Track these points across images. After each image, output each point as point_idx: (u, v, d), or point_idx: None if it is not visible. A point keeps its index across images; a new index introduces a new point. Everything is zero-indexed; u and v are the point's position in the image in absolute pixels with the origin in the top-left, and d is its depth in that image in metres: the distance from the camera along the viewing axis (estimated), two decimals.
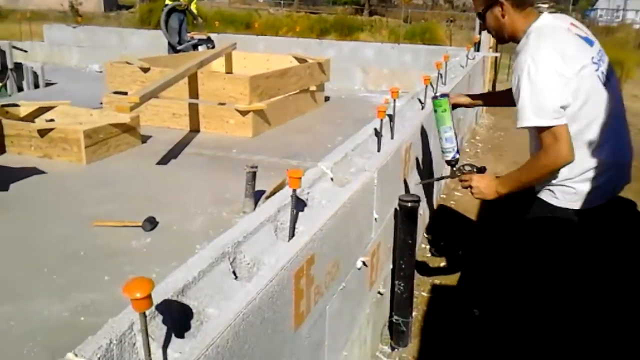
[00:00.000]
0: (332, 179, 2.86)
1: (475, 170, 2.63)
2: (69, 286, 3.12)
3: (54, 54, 11.53)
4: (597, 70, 2.26)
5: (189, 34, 9.79)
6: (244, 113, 6.26)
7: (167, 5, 9.49)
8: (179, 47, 9.48)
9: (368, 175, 2.78)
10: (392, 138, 3.63)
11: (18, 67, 8.36)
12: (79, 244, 3.58)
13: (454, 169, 2.77)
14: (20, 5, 32.42)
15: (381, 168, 2.95)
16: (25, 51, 9.37)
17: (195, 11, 9.78)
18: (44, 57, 11.54)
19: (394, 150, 3.25)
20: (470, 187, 2.53)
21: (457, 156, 2.91)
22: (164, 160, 5.34)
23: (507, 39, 2.46)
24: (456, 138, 2.94)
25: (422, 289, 3.80)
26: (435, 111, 2.96)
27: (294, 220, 2.11)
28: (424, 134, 4.33)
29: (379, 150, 3.28)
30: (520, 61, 2.24)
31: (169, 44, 9.47)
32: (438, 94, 2.97)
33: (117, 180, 4.80)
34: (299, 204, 2.34)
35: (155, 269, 3.32)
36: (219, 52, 7.89)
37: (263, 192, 4.56)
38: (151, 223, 3.84)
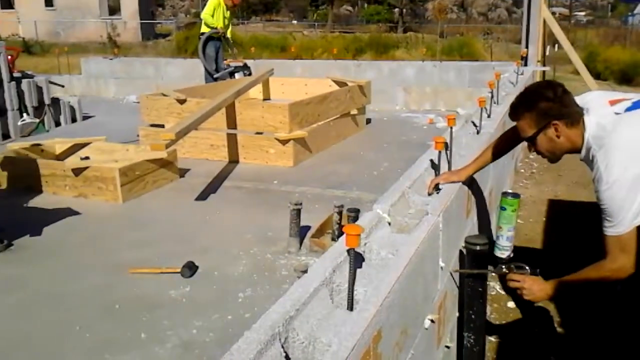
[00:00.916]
0: (389, 223, 2.53)
1: (529, 271, 2.48)
2: (102, 346, 2.84)
3: (91, 86, 11.55)
4: None
5: (225, 61, 9.63)
6: (284, 142, 5.98)
7: (203, 33, 9.36)
8: (215, 75, 9.31)
9: (432, 220, 2.43)
10: (449, 169, 3.29)
11: (55, 102, 8.30)
12: (114, 295, 3.31)
13: (504, 266, 2.59)
14: (62, 39, 33.39)
15: (446, 210, 2.59)
16: (62, 86, 9.36)
17: (230, 39, 9.63)
18: (82, 90, 11.58)
19: (457, 186, 2.89)
20: (520, 288, 2.42)
21: (512, 255, 2.69)
22: (202, 196, 5.09)
23: (560, 156, 2.40)
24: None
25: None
26: (504, 209, 2.73)
27: (352, 284, 1.79)
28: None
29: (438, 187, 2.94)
30: (597, 176, 2.17)
31: (206, 72, 9.32)
32: (510, 191, 2.79)
33: (154, 220, 4.55)
34: (356, 260, 2.01)
35: (195, 322, 3.03)
36: (257, 79, 7.67)
37: (308, 227, 4.25)
38: (190, 269, 3.55)
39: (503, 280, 2.55)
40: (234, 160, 6.21)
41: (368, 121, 8.36)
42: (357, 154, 6.61)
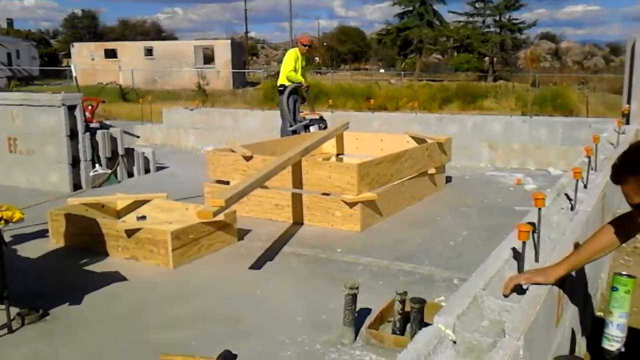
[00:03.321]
0: (454, 342, 1.98)
1: None
2: None
3: (172, 136, 11.65)
4: None
5: (300, 114, 9.41)
6: (351, 204, 5.52)
7: (283, 85, 9.19)
8: (290, 128, 9.09)
9: (511, 345, 1.87)
10: (536, 261, 2.70)
11: (129, 152, 8.30)
12: None
13: None
14: (158, 87, 35.03)
15: (529, 330, 2.01)
16: (137, 137, 9.43)
17: (308, 89, 9.44)
18: (162, 139, 11.71)
19: (545, 291, 2.30)
20: None
21: (623, 349, 2.28)
22: (257, 264, 4.68)
23: None
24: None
25: None
26: (616, 289, 2.31)
27: None
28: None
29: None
30: None
31: (283, 125, 9.14)
32: (624, 273, 2.35)
33: (202, 291, 4.18)
34: None
35: None
36: (329, 134, 7.31)
37: (368, 311, 3.72)
38: None
39: None
40: (298, 222, 5.80)
41: (448, 180, 7.76)
42: (432, 218, 6.03)
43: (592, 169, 4.57)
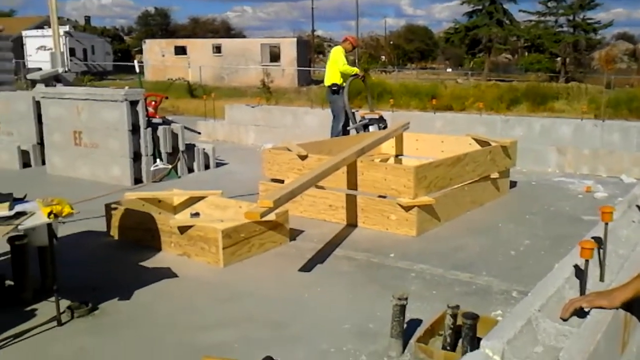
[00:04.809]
0: None
1: None
2: None
3: (233, 132, 11.74)
4: None
5: (359, 113, 9.26)
6: (407, 208, 5.34)
7: (336, 85, 9.08)
8: (349, 128, 8.96)
9: None
10: (601, 280, 2.47)
11: (190, 148, 8.39)
12: None
13: None
14: (225, 83, 35.61)
15: (587, 359, 1.82)
16: (199, 133, 9.53)
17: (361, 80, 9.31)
18: (224, 136, 11.81)
19: (609, 317, 2.08)
20: None
21: None
22: (308, 266, 4.58)
23: None
24: None
25: None
26: None
27: None
28: None
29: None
30: None
31: (334, 124, 9.05)
32: None
33: (250, 292, 4.12)
34: None
35: None
36: (388, 135, 7.14)
37: (419, 322, 3.56)
38: None
39: None
40: (352, 224, 5.66)
41: (512, 185, 7.43)
42: (493, 225, 5.76)
43: None
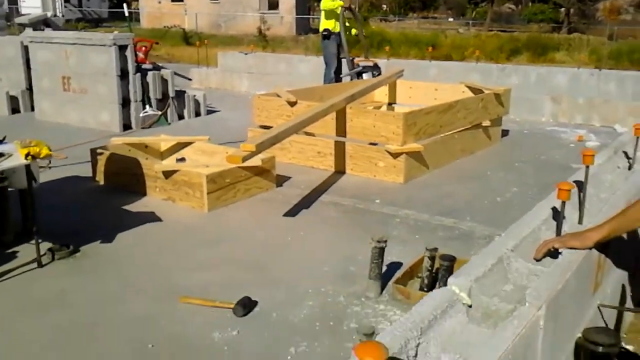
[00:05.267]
0: (470, 306, 1.80)
1: None
2: None
3: (226, 80, 11.58)
4: None
5: (355, 60, 9.09)
6: (395, 155, 5.29)
7: (327, 30, 8.82)
8: (342, 75, 8.82)
9: (529, 316, 1.68)
10: (579, 223, 2.46)
11: (180, 95, 8.27)
12: (151, 332, 2.88)
13: None
14: (222, 31, 34.97)
15: (554, 296, 1.81)
16: (189, 79, 9.37)
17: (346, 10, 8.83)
18: (217, 83, 11.66)
19: (580, 257, 2.07)
20: None
21: None
22: (293, 211, 4.57)
23: None
24: None
25: None
26: None
27: None
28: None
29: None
30: None
31: (327, 71, 8.88)
32: None
33: (233, 236, 4.11)
34: None
35: None
36: (380, 82, 7.02)
37: (399, 265, 3.57)
38: (245, 307, 3.03)
39: None
40: (340, 171, 5.63)
41: (505, 133, 7.37)
42: (482, 173, 5.73)
43: None
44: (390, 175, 5.34)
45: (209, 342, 2.79)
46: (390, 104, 7.73)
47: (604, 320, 2.47)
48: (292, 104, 5.97)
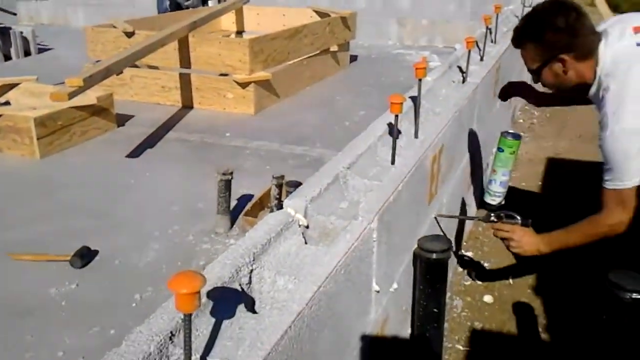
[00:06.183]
0: (307, 227, 1.76)
1: (519, 222, 2.28)
2: None
3: (59, 14, 10.52)
4: None
5: None
6: (243, 85, 5.12)
7: None
8: (186, 3, 8.32)
9: (361, 228, 1.66)
10: (415, 137, 2.50)
11: (4, 32, 7.37)
12: None
13: (493, 214, 2.38)
14: None
15: (386, 208, 1.81)
16: (14, 14, 8.39)
17: None
18: (49, 19, 10.59)
19: (412, 167, 2.09)
20: (508, 239, 2.24)
21: (503, 202, 2.53)
22: (136, 152, 4.30)
23: (570, 92, 2.13)
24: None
25: (456, 337, 2.68)
26: (502, 150, 2.49)
27: None
28: (465, 122, 3.14)
29: (393, 162, 2.16)
30: (602, 121, 1.93)
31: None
32: (510, 131, 2.57)
33: (69, 184, 3.78)
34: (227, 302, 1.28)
35: (67, 340, 2.31)
36: (224, 8, 6.71)
37: (250, 198, 3.49)
38: (83, 257, 2.82)
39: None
40: (187, 106, 5.37)
41: (353, 59, 7.42)
42: (332, 98, 5.75)
43: (492, 42, 4.36)
44: (240, 107, 5.18)
45: (46, 299, 2.56)
46: (239, 32, 7.47)
47: (442, 230, 2.58)
48: (130, 34, 5.54)
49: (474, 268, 3.16)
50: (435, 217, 2.45)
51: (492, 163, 2.55)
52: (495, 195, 2.51)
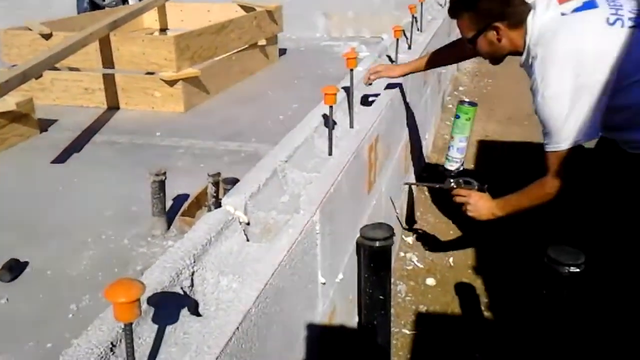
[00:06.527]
0: (248, 224, 1.71)
1: (476, 187, 2.38)
2: None
3: None
4: (622, 26, 1.88)
5: None
6: (171, 83, 4.99)
7: None
8: (104, 3, 8.03)
9: (304, 221, 1.63)
10: (351, 127, 2.50)
11: None
12: None
13: (452, 180, 2.49)
14: None
15: (327, 200, 1.79)
16: None
17: None
18: None
19: (350, 156, 2.08)
20: (465, 203, 2.36)
21: (462, 168, 2.59)
22: (62, 157, 4.11)
23: (503, 58, 2.22)
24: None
25: (402, 321, 2.70)
26: (458, 117, 2.55)
27: None
28: (398, 110, 3.17)
29: (330, 153, 2.14)
30: (534, 87, 1.99)
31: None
32: (466, 100, 2.68)
33: None
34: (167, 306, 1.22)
35: None
36: (146, 6, 6.49)
37: (186, 197, 3.40)
38: (11, 270, 2.66)
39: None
40: (113, 107, 5.18)
41: (282, 52, 7.38)
42: (263, 93, 5.69)
43: (418, 30, 4.42)
44: (169, 105, 5.05)
45: None
46: (163, 30, 7.28)
47: (395, 210, 2.63)
48: (47, 36, 5.29)
49: (426, 241, 3.26)
50: (405, 183, 2.95)
51: (451, 130, 2.64)
52: (454, 160, 2.57)
